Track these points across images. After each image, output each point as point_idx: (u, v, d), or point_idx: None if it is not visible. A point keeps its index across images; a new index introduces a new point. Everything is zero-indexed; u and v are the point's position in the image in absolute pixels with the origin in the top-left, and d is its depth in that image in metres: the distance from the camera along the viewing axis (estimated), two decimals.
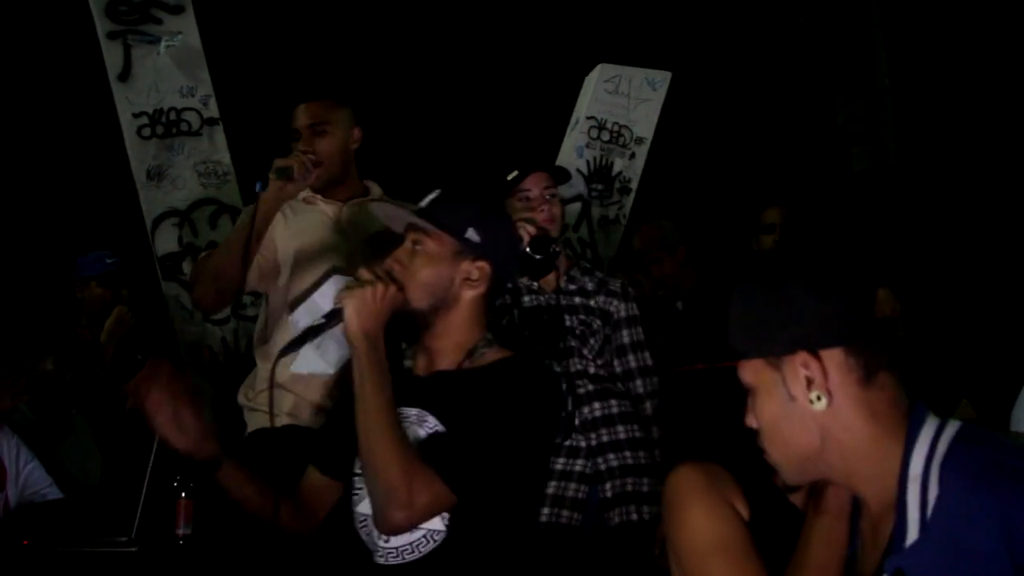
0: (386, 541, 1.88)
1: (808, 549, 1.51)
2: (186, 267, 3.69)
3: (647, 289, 3.96)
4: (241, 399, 2.82)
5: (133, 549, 2.60)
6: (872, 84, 5.55)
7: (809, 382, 1.36)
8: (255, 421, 2.75)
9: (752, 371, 1.43)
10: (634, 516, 2.87)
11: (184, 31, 3.74)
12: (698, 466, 1.64)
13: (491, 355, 1.98)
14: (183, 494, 2.60)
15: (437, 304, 1.96)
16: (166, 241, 3.71)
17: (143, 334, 4.04)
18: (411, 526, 1.93)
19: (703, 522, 1.58)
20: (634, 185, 4.59)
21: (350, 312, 1.89)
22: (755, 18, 5.62)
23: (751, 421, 1.45)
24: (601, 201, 4.51)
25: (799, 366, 1.37)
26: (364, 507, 1.93)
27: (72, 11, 3.83)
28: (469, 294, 1.97)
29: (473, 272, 1.96)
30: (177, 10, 3.74)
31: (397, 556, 1.88)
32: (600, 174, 4.52)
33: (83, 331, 3.71)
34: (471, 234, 1.95)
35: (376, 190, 2.86)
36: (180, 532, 2.60)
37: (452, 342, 1.99)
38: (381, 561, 1.89)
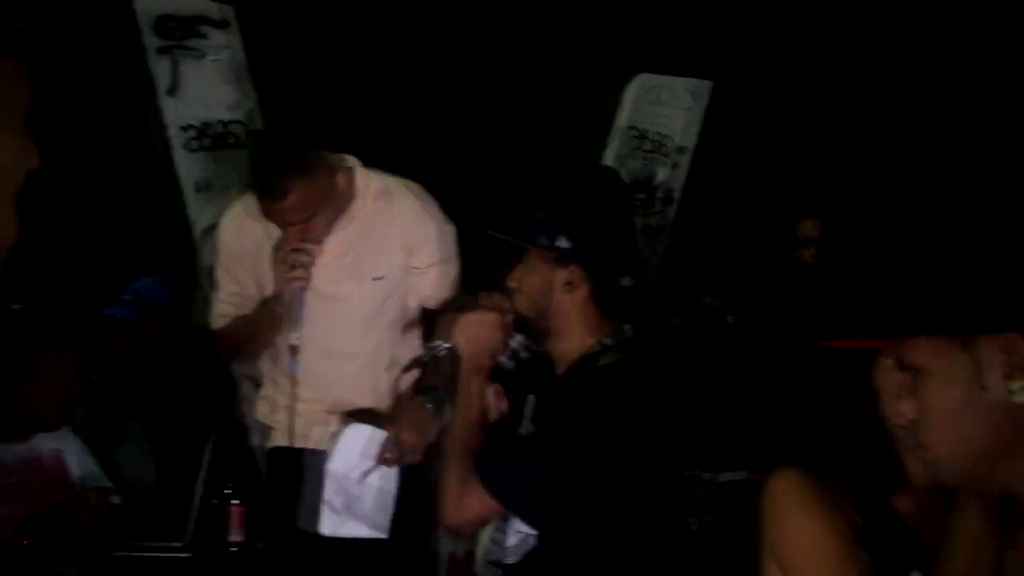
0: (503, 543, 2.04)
1: (955, 555, 1.33)
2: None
3: (685, 302, 3.97)
4: (259, 414, 2.86)
5: (186, 555, 2.63)
6: (919, 90, 5.48)
7: (1010, 369, 1.16)
8: (273, 438, 2.79)
9: (930, 351, 1.22)
10: (694, 527, 2.91)
11: (230, 46, 3.78)
12: (802, 471, 1.48)
13: (604, 360, 2.04)
14: (235, 501, 2.63)
15: (543, 313, 2.07)
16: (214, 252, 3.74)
17: (193, 350, 4.07)
18: (460, 529, 2.09)
19: (817, 534, 1.43)
20: (676, 195, 4.59)
21: (457, 333, 2.11)
22: (796, 25, 5.59)
23: (907, 410, 1.26)
24: (643, 211, 4.51)
25: (999, 350, 1.17)
26: None
27: (118, 28, 3.89)
28: (571, 299, 2.05)
29: (568, 277, 2.01)
30: (223, 25, 3.79)
31: (511, 556, 2.02)
32: (642, 184, 4.52)
33: (119, 342, 3.74)
34: (562, 242, 2.04)
35: (357, 179, 2.66)
36: (232, 539, 2.63)
37: (565, 348, 2.09)
38: (506, 561, 2.04)
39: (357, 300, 2.65)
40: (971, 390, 1.18)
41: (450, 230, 2.71)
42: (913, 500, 1.50)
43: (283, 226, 2.50)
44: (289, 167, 2.39)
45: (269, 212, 2.46)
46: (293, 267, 2.50)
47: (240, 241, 2.70)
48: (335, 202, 2.53)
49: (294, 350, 2.56)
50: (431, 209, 2.68)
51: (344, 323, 2.67)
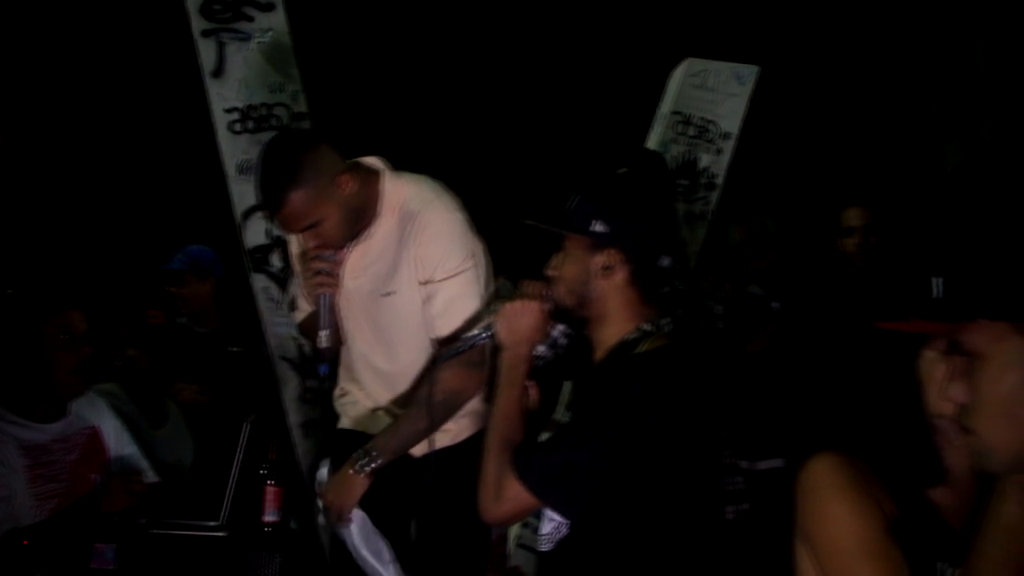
0: (537, 529, 2.03)
1: (989, 544, 1.31)
2: (274, 260, 3.75)
3: (728, 289, 3.93)
4: (333, 398, 2.90)
5: (222, 533, 2.67)
6: (969, 76, 5.38)
7: None
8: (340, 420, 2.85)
9: (989, 336, 1.23)
10: (730, 515, 2.90)
11: (275, 28, 3.79)
12: (841, 458, 1.48)
13: (645, 345, 2.02)
14: (271, 482, 2.66)
15: (582, 300, 2.06)
16: (255, 234, 3.77)
17: (236, 327, 4.14)
18: (499, 522, 2.08)
19: (852, 521, 1.43)
20: (720, 180, 4.52)
21: (499, 322, 2.12)
22: (846, 8, 5.50)
23: (958, 394, 1.27)
24: (686, 196, 4.45)
25: None
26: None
27: (166, 10, 3.92)
28: (610, 284, 2.04)
29: (606, 261, 2.01)
30: (269, 8, 3.79)
31: (546, 543, 2.01)
32: (686, 169, 4.46)
33: (153, 315, 3.81)
34: (597, 226, 2.02)
35: (383, 185, 2.61)
36: (267, 519, 2.66)
37: (606, 334, 2.07)
38: (541, 548, 2.03)
39: (374, 315, 2.65)
40: None
41: (467, 246, 2.58)
42: (950, 492, 1.49)
43: (294, 234, 2.54)
44: (282, 178, 2.41)
45: (276, 223, 2.51)
46: (316, 273, 2.53)
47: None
48: (348, 206, 2.49)
49: (323, 353, 2.60)
50: (448, 225, 2.57)
51: (367, 337, 2.68)
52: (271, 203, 2.44)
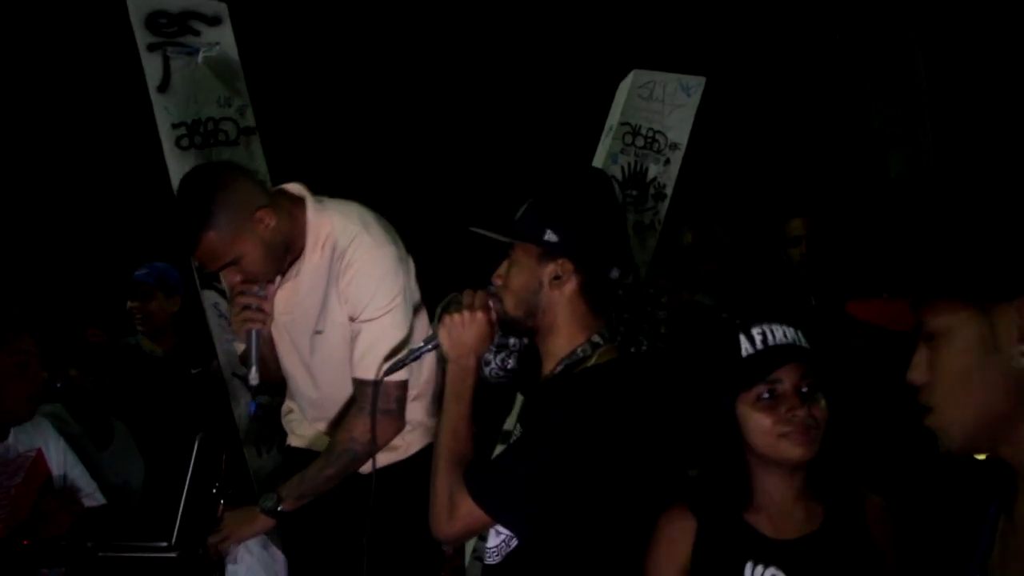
0: (486, 540, 2.03)
1: None
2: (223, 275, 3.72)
3: (685, 296, 3.96)
4: (282, 414, 2.93)
5: (173, 554, 2.63)
6: (910, 85, 5.49)
7: (1023, 334, 1.17)
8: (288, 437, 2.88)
9: (947, 314, 1.24)
10: None
11: (222, 42, 3.76)
12: (672, 510, 1.95)
13: (595, 358, 2.01)
14: (222, 501, 2.64)
15: (532, 310, 2.03)
16: None
17: (193, 347, 4.09)
18: (452, 540, 2.07)
19: (647, 558, 1.92)
20: (669, 191, 4.57)
21: (443, 335, 2.07)
22: (790, 21, 5.59)
23: (919, 375, 1.27)
24: (636, 207, 4.49)
25: (1015, 313, 1.18)
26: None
27: (112, 24, 3.88)
28: (560, 294, 2.01)
29: (556, 271, 1.99)
30: (215, 22, 3.76)
31: (492, 556, 2.01)
32: (634, 180, 4.50)
33: (92, 335, 3.75)
34: (549, 235, 1.99)
35: (307, 215, 2.56)
36: None
37: (556, 345, 2.05)
38: (487, 561, 2.02)
39: (304, 351, 2.65)
40: (985, 354, 1.20)
41: (394, 286, 2.53)
42: (767, 508, 1.88)
43: (214, 272, 2.53)
44: (194, 219, 2.37)
45: (198, 262, 2.52)
46: (243, 308, 2.52)
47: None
48: (268, 241, 2.45)
49: (252, 390, 2.60)
50: (375, 262, 2.51)
51: (298, 370, 2.69)
52: (185, 244, 2.41)
